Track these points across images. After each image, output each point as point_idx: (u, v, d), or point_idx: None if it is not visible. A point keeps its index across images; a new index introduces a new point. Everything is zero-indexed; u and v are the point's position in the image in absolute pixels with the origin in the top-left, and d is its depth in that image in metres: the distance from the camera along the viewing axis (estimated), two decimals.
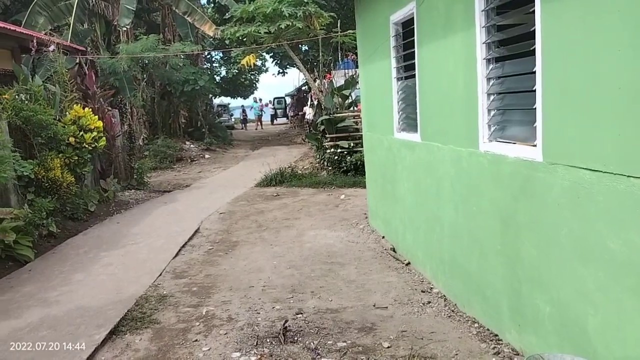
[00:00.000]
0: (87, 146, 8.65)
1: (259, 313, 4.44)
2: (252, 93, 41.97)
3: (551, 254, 2.95)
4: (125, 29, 17.67)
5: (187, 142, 19.40)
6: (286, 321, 4.14)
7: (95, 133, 8.86)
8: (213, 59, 35.58)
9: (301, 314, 4.36)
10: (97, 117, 9.35)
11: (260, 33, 14.39)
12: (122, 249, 6.86)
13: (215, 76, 34.36)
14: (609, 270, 2.48)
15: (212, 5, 26.07)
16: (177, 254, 6.46)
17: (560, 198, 2.81)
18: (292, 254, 6.19)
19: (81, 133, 8.60)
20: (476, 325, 3.90)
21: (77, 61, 12.21)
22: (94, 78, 11.22)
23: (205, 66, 27.69)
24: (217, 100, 35.08)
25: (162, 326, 4.30)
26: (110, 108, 11.85)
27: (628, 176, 2.29)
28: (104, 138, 9.33)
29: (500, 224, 3.50)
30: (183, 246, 6.82)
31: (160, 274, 5.68)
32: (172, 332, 4.17)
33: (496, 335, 3.67)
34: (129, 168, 11.79)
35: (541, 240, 3.04)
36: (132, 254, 6.60)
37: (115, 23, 17.82)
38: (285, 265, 5.78)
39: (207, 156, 18.31)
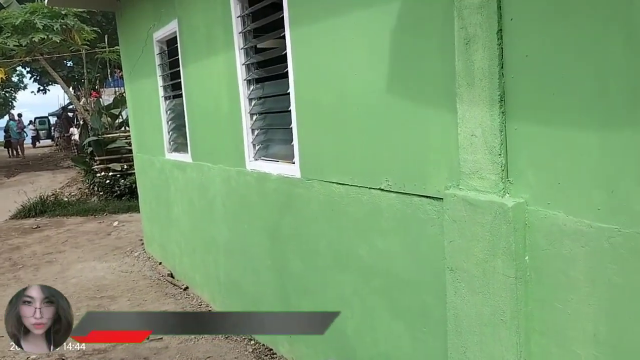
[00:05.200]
0: None
1: None
2: (8, 112, 36.31)
3: (314, 264, 3.12)
4: None
5: None
6: None
7: None
8: None
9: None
10: None
11: (8, 46, 12.66)
12: None
13: None
14: (361, 275, 2.70)
15: None
16: None
17: (317, 211, 2.99)
18: None
19: None
20: (252, 342, 3.92)
21: None
22: None
23: None
24: None
25: None
26: None
27: (369, 188, 2.53)
28: None
29: (269, 240, 3.59)
30: None
31: None
32: None
33: (271, 349, 3.74)
34: None
35: (305, 252, 3.19)
36: None
37: None
38: None
39: None
